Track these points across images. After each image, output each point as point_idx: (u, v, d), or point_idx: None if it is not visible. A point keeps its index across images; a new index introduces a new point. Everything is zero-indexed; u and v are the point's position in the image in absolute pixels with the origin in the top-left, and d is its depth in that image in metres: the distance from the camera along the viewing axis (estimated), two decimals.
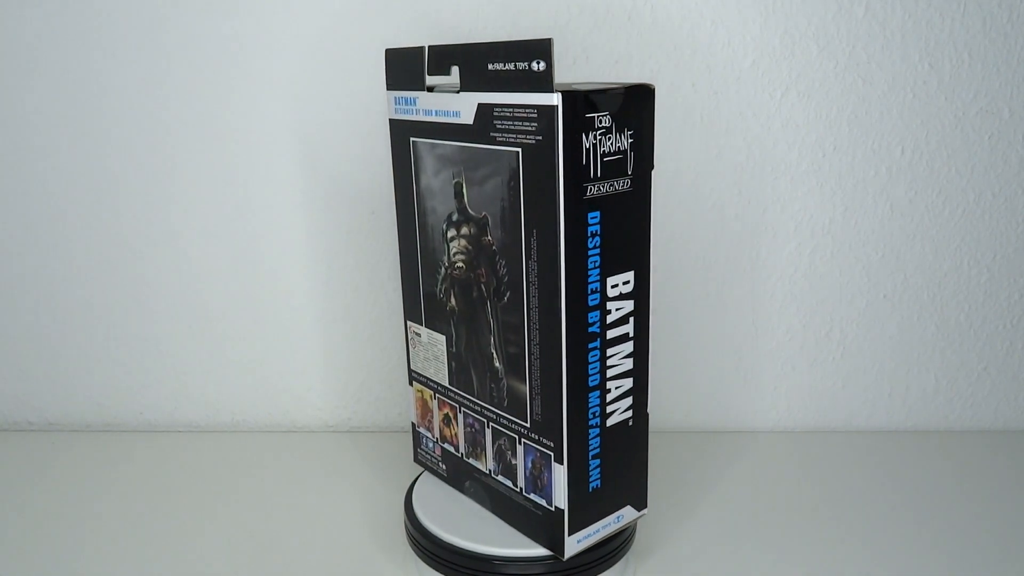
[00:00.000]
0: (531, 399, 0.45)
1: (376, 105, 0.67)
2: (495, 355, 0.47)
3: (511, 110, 0.41)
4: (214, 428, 0.78)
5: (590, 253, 0.42)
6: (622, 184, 0.42)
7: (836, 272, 0.72)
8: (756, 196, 0.70)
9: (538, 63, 0.39)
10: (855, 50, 0.66)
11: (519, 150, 0.41)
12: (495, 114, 0.42)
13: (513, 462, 0.48)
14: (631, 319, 0.45)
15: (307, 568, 0.56)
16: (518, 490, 0.48)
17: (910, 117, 0.67)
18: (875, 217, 0.70)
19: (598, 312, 0.43)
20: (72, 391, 0.78)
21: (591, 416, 0.45)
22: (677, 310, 0.72)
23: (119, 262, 0.73)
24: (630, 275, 0.44)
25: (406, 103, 0.48)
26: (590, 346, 0.44)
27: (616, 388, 0.46)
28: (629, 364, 0.46)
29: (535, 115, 0.40)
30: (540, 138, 0.40)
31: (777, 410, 0.76)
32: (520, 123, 0.41)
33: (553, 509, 0.45)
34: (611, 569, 0.49)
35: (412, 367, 0.55)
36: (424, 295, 0.51)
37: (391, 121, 0.50)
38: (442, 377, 0.52)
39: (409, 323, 0.53)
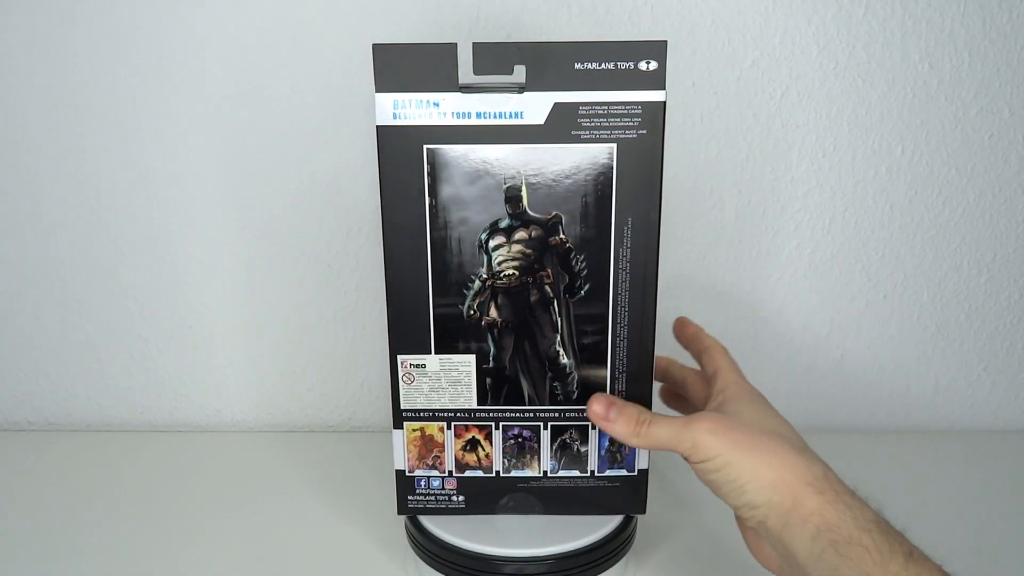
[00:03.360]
0: (613, 380, 0.48)
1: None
2: (561, 352, 0.47)
3: (605, 107, 0.43)
4: (214, 428, 0.78)
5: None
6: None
7: (836, 272, 0.72)
8: (756, 196, 0.70)
9: (648, 63, 0.42)
10: (855, 50, 0.66)
11: (613, 146, 0.43)
12: (580, 112, 0.43)
13: (582, 450, 0.49)
14: None
15: (307, 568, 0.56)
16: (587, 475, 0.50)
17: (910, 117, 0.67)
18: (875, 217, 0.70)
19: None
20: (72, 391, 0.78)
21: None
22: (677, 310, 0.73)
23: (119, 262, 0.73)
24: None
25: (418, 106, 0.44)
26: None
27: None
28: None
29: (638, 111, 0.43)
30: (644, 132, 0.43)
31: (777, 410, 0.76)
32: (618, 119, 0.43)
33: (636, 473, 0.50)
34: (611, 569, 0.49)
35: (405, 406, 0.49)
36: (437, 319, 0.47)
37: (382, 128, 0.44)
38: (467, 400, 0.49)
39: (403, 357, 0.48)
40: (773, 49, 0.66)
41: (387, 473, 0.66)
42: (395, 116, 0.44)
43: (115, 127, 0.69)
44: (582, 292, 0.46)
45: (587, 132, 0.43)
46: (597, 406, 0.45)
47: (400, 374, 0.48)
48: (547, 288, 0.46)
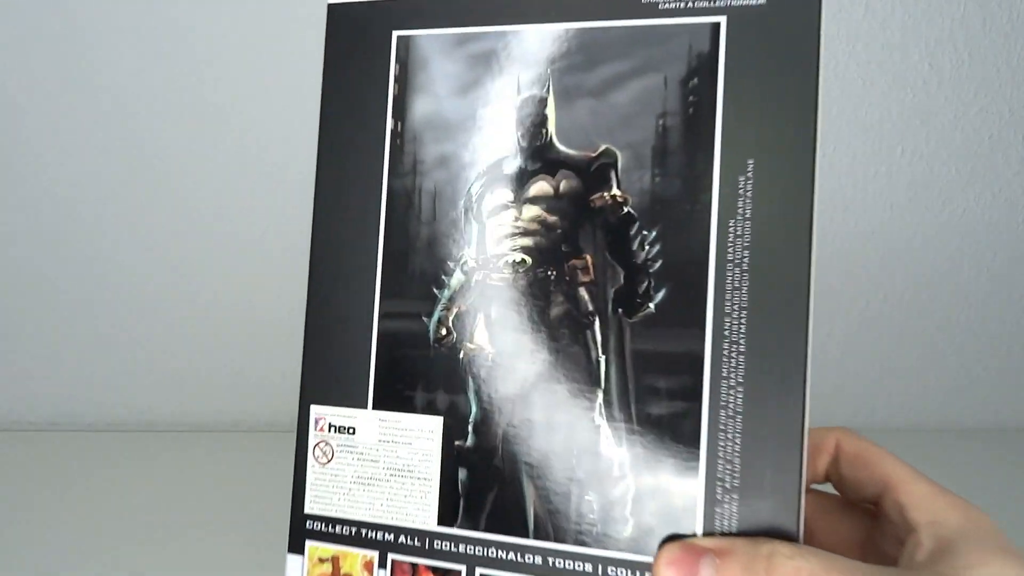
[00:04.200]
0: (712, 506, 0.25)
1: None
2: (605, 429, 0.26)
3: None
4: (214, 428, 0.78)
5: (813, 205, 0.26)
6: None
7: (836, 272, 0.72)
8: None
9: None
10: (855, 50, 0.66)
11: (720, 20, 0.26)
12: None
13: None
14: None
15: None
16: None
17: (910, 117, 0.67)
18: (875, 217, 0.70)
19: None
20: (72, 391, 0.78)
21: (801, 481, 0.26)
22: None
23: (119, 263, 0.73)
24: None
25: None
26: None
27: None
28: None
29: None
30: (774, 4, 0.25)
31: None
32: None
33: None
34: None
35: (311, 509, 0.31)
36: (383, 340, 0.29)
37: (335, 8, 0.30)
38: (421, 512, 0.28)
39: (318, 411, 0.30)
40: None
41: None
42: None
43: (118, 126, 0.69)
44: (650, 305, 0.26)
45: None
46: (672, 564, 0.24)
47: (309, 443, 0.30)
48: (583, 293, 0.27)
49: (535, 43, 0.27)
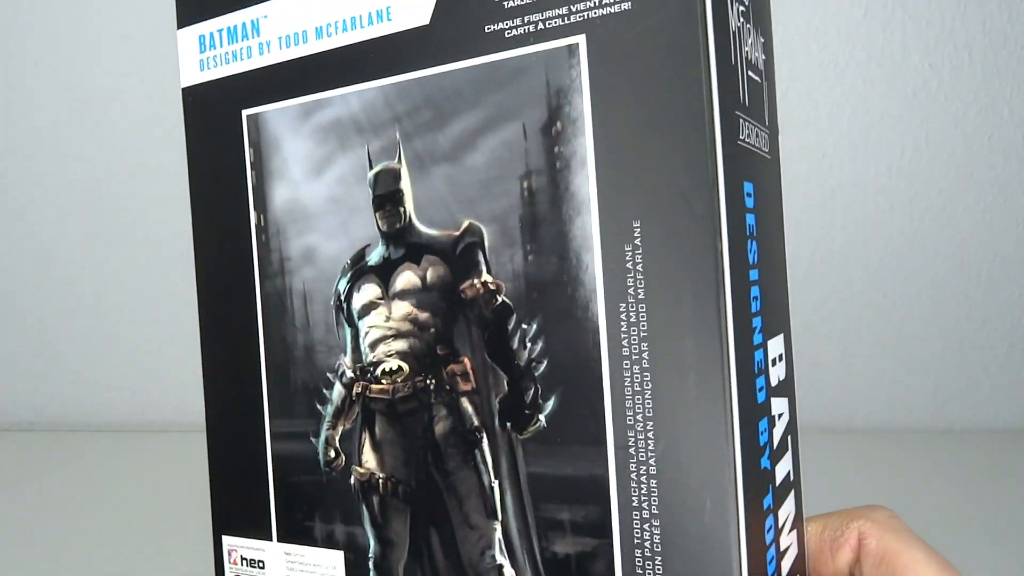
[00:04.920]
0: None
1: None
2: (507, 567, 0.22)
3: None
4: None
5: (750, 277, 0.20)
6: (766, 138, 0.23)
7: (836, 272, 0.72)
8: None
9: None
10: (855, 50, 0.66)
11: (577, 40, 0.19)
12: None
13: None
14: (788, 437, 0.24)
15: None
16: None
17: (910, 117, 0.67)
18: (875, 217, 0.70)
19: (764, 419, 0.21)
20: (72, 391, 0.78)
21: None
22: None
23: (121, 264, 0.73)
24: (782, 339, 0.25)
25: (232, 38, 0.25)
26: (766, 503, 0.21)
27: None
28: (794, 540, 0.24)
29: None
30: (642, 3, 0.19)
31: None
32: None
33: None
34: None
35: None
36: (279, 466, 0.25)
37: (190, 91, 0.27)
38: None
39: (231, 543, 0.27)
40: (773, 49, 0.66)
41: None
42: (203, 65, 0.26)
43: (118, 129, 0.69)
44: (540, 417, 0.21)
45: (518, 21, 0.20)
46: None
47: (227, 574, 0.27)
48: (466, 404, 0.22)
49: (380, 102, 0.22)
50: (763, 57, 0.23)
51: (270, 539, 0.26)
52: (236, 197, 0.25)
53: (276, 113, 0.24)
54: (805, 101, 0.67)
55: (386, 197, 0.23)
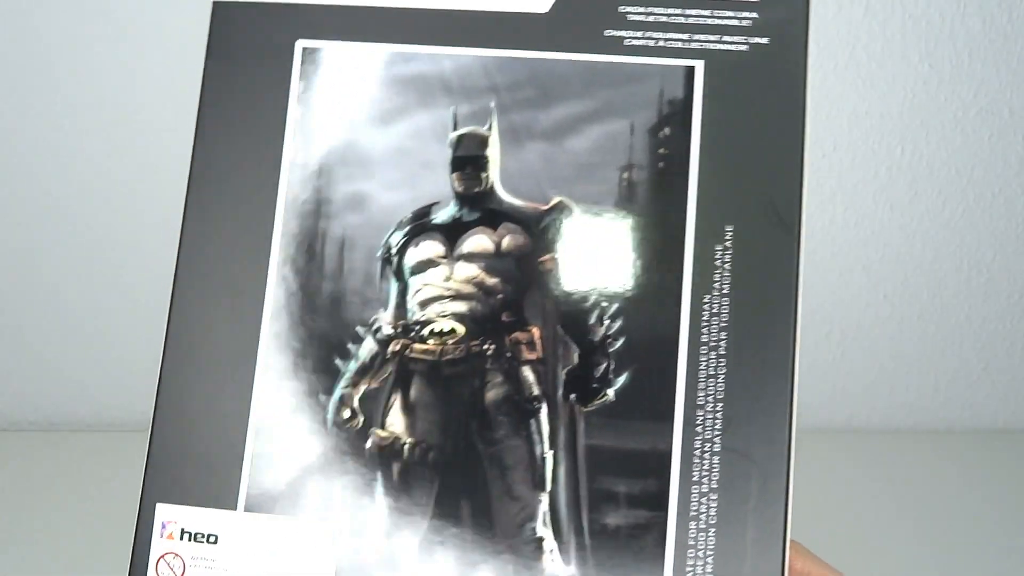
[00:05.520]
0: None
1: None
2: (548, 541, 0.21)
3: None
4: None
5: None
6: None
7: (836, 272, 0.72)
8: None
9: None
10: (855, 50, 0.66)
11: (696, 63, 0.21)
12: None
13: None
14: None
15: None
16: None
17: (910, 117, 0.67)
18: (875, 217, 0.70)
19: None
20: (72, 391, 0.78)
21: None
22: None
23: (120, 263, 0.73)
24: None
25: None
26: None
27: None
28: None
29: None
30: (762, 42, 0.21)
31: None
32: (706, 13, 0.22)
33: None
34: None
35: None
36: (259, 432, 0.23)
37: (221, 6, 0.25)
38: None
39: (167, 512, 0.24)
40: None
41: None
42: None
43: (118, 125, 0.69)
44: (609, 392, 0.22)
45: (639, 34, 0.22)
46: None
47: (151, 555, 0.24)
48: (527, 373, 0.22)
49: (477, 70, 0.22)
50: None
51: (233, 508, 0.22)
52: (269, 127, 0.23)
53: (343, 53, 0.22)
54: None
55: (468, 160, 0.22)
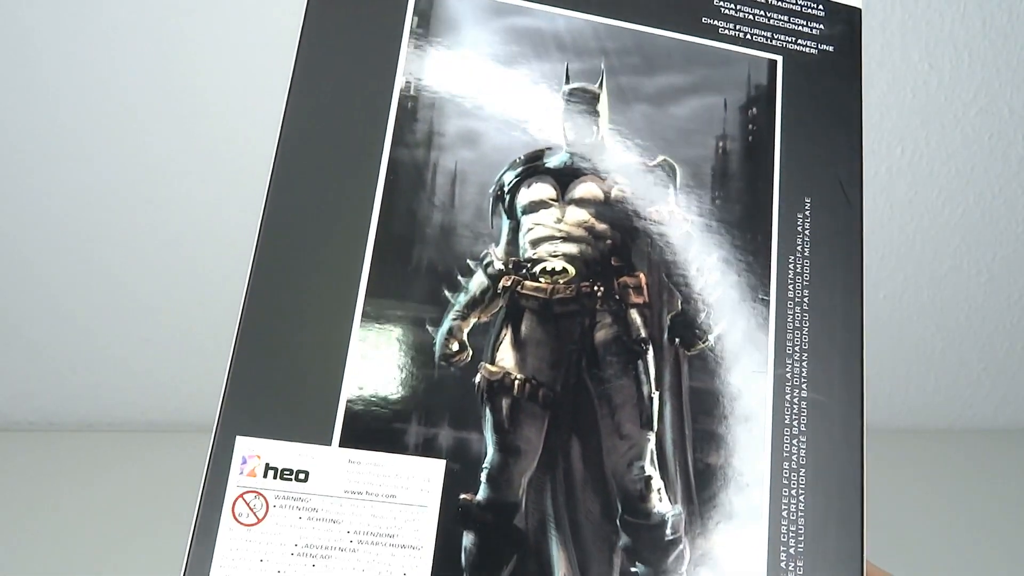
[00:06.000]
0: (776, 568, 0.21)
1: None
2: (656, 480, 0.22)
3: None
4: (214, 428, 0.78)
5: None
6: None
7: None
8: None
9: None
10: None
11: (778, 58, 0.26)
12: None
13: None
14: None
15: None
16: None
17: (910, 117, 0.67)
18: (875, 217, 0.70)
19: None
20: (72, 391, 0.78)
21: None
22: None
23: (120, 262, 0.73)
24: None
25: None
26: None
27: None
28: None
29: (820, 13, 0.26)
30: (828, 49, 0.26)
31: None
32: (785, 18, 0.26)
33: None
34: None
35: None
36: (359, 362, 0.22)
37: None
38: None
39: (249, 445, 0.22)
40: None
41: None
42: None
43: (115, 124, 0.69)
44: (709, 338, 0.23)
45: (731, 26, 0.26)
46: None
47: (227, 493, 0.22)
48: (635, 316, 0.23)
49: (588, 33, 0.24)
50: None
51: (327, 443, 0.21)
52: (380, 57, 0.23)
53: None
54: None
55: (581, 112, 0.24)
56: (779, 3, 0.26)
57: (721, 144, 0.25)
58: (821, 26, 0.26)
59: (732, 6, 0.26)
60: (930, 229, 0.71)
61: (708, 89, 0.25)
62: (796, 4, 0.26)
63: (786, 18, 0.26)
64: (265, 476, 0.21)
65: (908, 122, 0.68)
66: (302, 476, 0.21)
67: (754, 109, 0.25)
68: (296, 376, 0.22)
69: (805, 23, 0.26)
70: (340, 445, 0.21)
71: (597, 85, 0.24)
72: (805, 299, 0.24)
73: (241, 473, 0.21)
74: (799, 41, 0.26)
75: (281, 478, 0.21)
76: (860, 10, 0.27)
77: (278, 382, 0.22)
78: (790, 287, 0.24)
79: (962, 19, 0.65)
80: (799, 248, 0.24)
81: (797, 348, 0.23)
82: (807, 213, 0.24)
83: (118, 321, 0.75)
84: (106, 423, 0.78)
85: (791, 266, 0.24)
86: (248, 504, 0.21)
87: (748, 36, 0.26)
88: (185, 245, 0.72)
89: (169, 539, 0.59)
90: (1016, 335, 0.74)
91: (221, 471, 0.22)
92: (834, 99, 0.26)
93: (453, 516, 0.20)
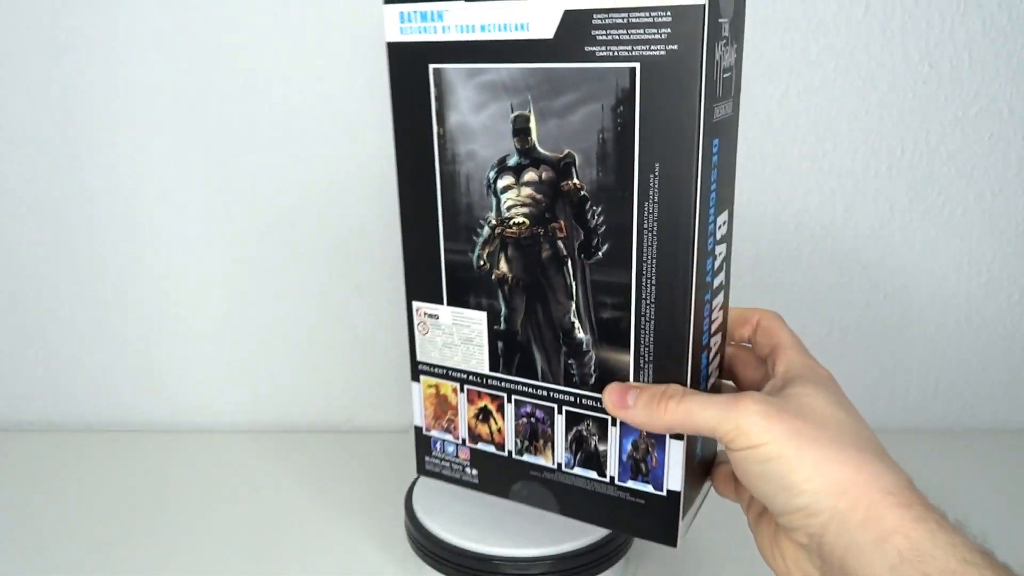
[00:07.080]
0: (637, 369, 0.40)
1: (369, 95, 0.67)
2: (577, 324, 0.41)
3: (625, 15, 0.34)
4: (214, 428, 0.78)
5: (711, 190, 0.37)
6: (730, 107, 0.39)
7: (836, 272, 0.72)
8: (756, 196, 0.70)
9: None
10: (855, 50, 0.66)
11: (635, 65, 0.35)
12: (595, 22, 0.35)
13: (601, 448, 0.43)
14: (724, 265, 0.41)
15: (307, 568, 0.56)
16: (607, 480, 0.43)
17: (910, 117, 0.67)
18: (875, 217, 0.70)
19: (711, 259, 0.39)
20: (72, 391, 0.78)
21: (703, 381, 0.41)
22: None
23: (120, 263, 0.73)
24: (726, 215, 0.41)
25: (423, 18, 0.40)
26: (706, 298, 0.39)
27: (714, 345, 0.42)
28: (720, 317, 0.42)
29: (667, 19, 0.33)
30: (674, 48, 0.34)
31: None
32: (640, 31, 0.34)
33: (665, 494, 0.41)
34: (611, 569, 0.49)
35: (420, 358, 0.47)
36: (448, 266, 0.44)
37: (392, 45, 0.41)
38: (479, 364, 0.45)
39: (417, 304, 0.46)
40: (773, 49, 0.66)
41: (387, 473, 0.66)
42: (402, 31, 0.41)
43: (104, 129, 0.69)
44: (599, 253, 0.39)
45: (603, 48, 0.35)
46: (612, 395, 0.39)
47: (415, 322, 0.46)
48: (560, 244, 0.40)
49: (519, 76, 0.38)
50: (735, 56, 0.38)
51: (442, 303, 0.45)
52: (425, 117, 0.41)
53: (451, 70, 0.40)
54: (805, 101, 0.67)
55: (521, 130, 0.39)
56: (635, 19, 0.34)
57: (601, 136, 0.37)
58: (668, 30, 0.34)
59: (604, 33, 0.35)
60: (930, 229, 0.71)
61: (592, 99, 0.37)
62: (648, 16, 0.34)
63: (641, 31, 0.34)
64: (424, 316, 0.46)
65: (908, 122, 0.68)
66: (436, 317, 0.46)
67: (621, 107, 0.36)
68: (429, 276, 0.45)
69: (656, 31, 0.34)
70: (447, 304, 0.45)
71: (527, 110, 0.39)
72: (655, 227, 0.37)
73: (417, 315, 0.46)
74: (651, 47, 0.34)
75: (430, 317, 0.46)
76: (703, 6, 0.33)
77: (423, 279, 0.45)
78: (646, 221, 0.37)
79: (962, 19, 0.65)
80: (651, 196, 0.37)
81: (648, 256, 0.38)
82: (656, 173, 0.36)
83: (118, 321, 0.75)
84: (106, 423, 0.78)
85: (646, 209, 0.37)
86: (423, 325, 0.46)
87: (615, 53, 0.35)
88: (185, 247, 0.73)
89: (169, 539, 0.59)
90: (1016, 335, 0.74)
91: (412, 313, 0.46)
92: (677, 92, 0.34)
93: (493, 334, 0.44)
